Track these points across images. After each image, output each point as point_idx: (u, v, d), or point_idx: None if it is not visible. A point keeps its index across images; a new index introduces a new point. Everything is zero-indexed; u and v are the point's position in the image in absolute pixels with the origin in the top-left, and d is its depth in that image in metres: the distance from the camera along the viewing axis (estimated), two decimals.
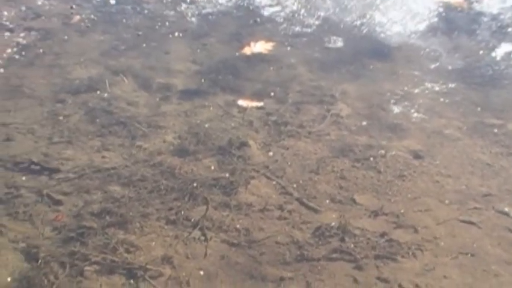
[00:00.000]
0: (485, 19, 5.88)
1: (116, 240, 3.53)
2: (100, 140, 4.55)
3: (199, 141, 4.55)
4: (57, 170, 4.21)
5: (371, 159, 4.40)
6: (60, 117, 4.75)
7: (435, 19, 5.95)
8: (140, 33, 5.96)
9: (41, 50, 5.67)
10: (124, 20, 6.08)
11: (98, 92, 5.11)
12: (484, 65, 5.37)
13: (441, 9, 6.04)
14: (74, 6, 6.24)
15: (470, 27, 5.84)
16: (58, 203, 3.94)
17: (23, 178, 4.05)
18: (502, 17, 5.86)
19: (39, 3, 6.31)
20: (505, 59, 5.41)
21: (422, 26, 5.90)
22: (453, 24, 5.90)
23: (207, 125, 4.73)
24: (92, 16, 6.11)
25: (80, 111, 4.86)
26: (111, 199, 3.90)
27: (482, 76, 5.27)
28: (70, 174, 4.20)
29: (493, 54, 5.48)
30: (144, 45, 5.86)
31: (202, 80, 5.42)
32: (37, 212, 3.78)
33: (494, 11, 5.93)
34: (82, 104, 4.97)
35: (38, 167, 4.18)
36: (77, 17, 6.10)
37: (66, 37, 5.93)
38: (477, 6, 6.03)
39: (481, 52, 5.52)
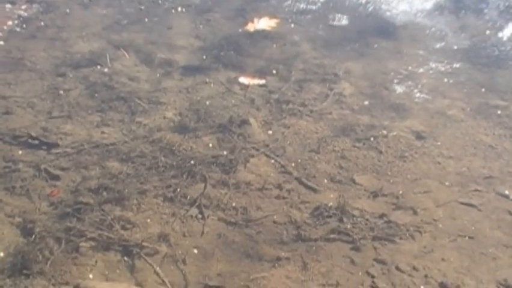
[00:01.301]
0: None
1: (113, 216, 3.53)
2: (100, 115, 4.53)
3: (200, 118, 4.53)
4: (56, 145, 4.20)
5: (373, 139, 4.37)
6: (61, 92, 4.73)
7: None
8: (142, 7, 5.92)
9: (42, 23, 5.63)
10: None
11: (99, 67, 5.08)
12: (490, 46, 5.31)
13: None
14: None
15: (477, 6, 5.77)
16: (56, 178, 3.94)
17: (21, 152, 4.04)
18: None
19: None
20: (511, 39, 5.34)
21: (428, 5, 5.83)
22: (460, 3, 5.83)
23: (207, 102, 4.70)
24: None
25: (81, 86, 4.84)
26: (109, 175, 3.89)
27: (488, 57, 5.21)
28: (68, 149, 4.18)
29: (500, 34, 5.41)
30: (146, 20, 5.82)
31: (204, 57, 5.38)
32: (34, 186, 3.77)
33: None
34: (82, 79, 4.95)
35: (36, 142, 4.18)
36: None
37: (68, 10, 5.88)
38: None
39: (488, 32, 5.45)
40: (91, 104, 4.57)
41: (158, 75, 5.02)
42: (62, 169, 3.92)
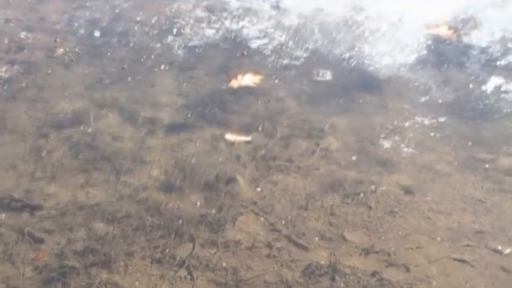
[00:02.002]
0: (474, 52, 5.92)
1: (100, 280, 3.48)
2: (84, 175, 4.50)
3: (186, 176, 4.53)
4: (40, 207, 4.16)
5: (361, 194, 4.38)
6: (44, 153, 4.72)
7: (425, 51, 5.99)
8: (125, 66, 5.95)
9: (23, 84, 5.64)
10: (109, 53, 6.07)
11: (82, 127, 5.07)
12: (475, 99, 5.39)
13: (430, 42, 6.08)
14: (58, 39, 6.22)
15: (459, 59, 5.88)
16: (40, 241, 3.89)
17: (4, 215, 4.00)
18: (490, 50, 5.90)
19: (22, 36, 6.29)
20: (495, 92, 5.43)
21: (411, 59, 5.93)
22: (442, 56, 5.94)
23: (193, 160, 4.71)
24: (76, 49, 6.09)
25: (64, 147, 4.82)
26: (95, 237, 3.85)
27: (473, 110, 5.29)
28: (52, 211, 4.14)
29: (483, 87, 5.51)
30: (129, 78, 5.85)
31: (189, 114, 5.40)
32: (18, 251, 3.72)
33: (483, 44, 5.98)
34: (65, 139, 4.93)
35: (19, 204, 4.15)
36: (61, 50, 6.07)
37: (49, 71, 5.90)
38: (466, 39, 6.07)
39: (471, 85, 5.54)
40: (74, 164, 4.55)
41: (142, 134, 5.03)
42: (47, 232, 3.88)
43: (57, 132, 4.94)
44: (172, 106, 5.56)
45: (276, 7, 6.67)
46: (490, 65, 5.73)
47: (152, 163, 4.63)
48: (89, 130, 4.99)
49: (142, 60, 6.10)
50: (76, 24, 6.45)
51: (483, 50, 5.91)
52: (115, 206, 4.07)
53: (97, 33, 6.32)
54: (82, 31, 6.37)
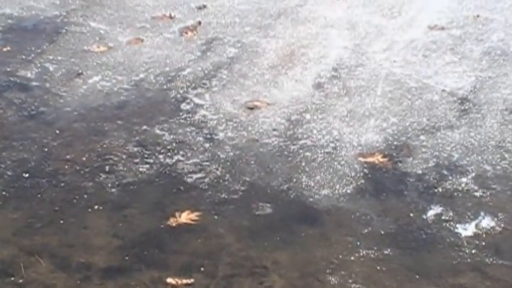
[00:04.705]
0: (411, 179, 6.09)
1: None
2: None
3: None
4: None
5: None
6: None
7: (362, 180, 6.13)
8: (56, 208, 5.84)
9: None
10: (39, 195, 5.96)
11: (12, 278, 4.91)
12: (416, 229, 5.51)
13: (366, 171, 6.25)
14: None
15: (397, 188, 6.04)
16: None
17: None
18: (426, 177, 6.09)
19: None
20: (436, 221, 5.58)
21: (349, 188, 6.06)
22: (380, 185, 6.09)
23: None
24: (4, 192, 5.96)
25: None
26: None
27: (416, 240, 5.40)
28: None
29: (424, 216, 5.64)
30: (61, 221, 5.72)
31: (126, 256, 5.30)
32: None
33: (419, 171, 6.17)
34: None
35: None
36: None
37: None
38: (401, 167, 6.26)
39: (412, 215, 5.68)
40: None
41: (77, 281, 4.89)
42: None
43: None
44: (107, 249, 5.44)
45: (210, 139, 6.76)
46: (428, 193, 5.91)
47: None
48: (20, 281, 4.84)
49: (75, 201, 6.01)
50: (2, 166, 6.33)
51: (419, 177, 6.10)
52: None
53: (25, 174, 6.23)
54: (8, 173, 6.26)
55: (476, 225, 5.56)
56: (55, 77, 7.87)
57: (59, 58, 8.27)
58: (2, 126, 6.94)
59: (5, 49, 8.47)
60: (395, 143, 6.60)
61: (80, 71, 7.98)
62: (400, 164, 6.31)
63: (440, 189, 5.94)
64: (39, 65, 8.11)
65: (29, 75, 7.88)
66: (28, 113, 7.16)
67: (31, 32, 8.99)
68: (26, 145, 6.64)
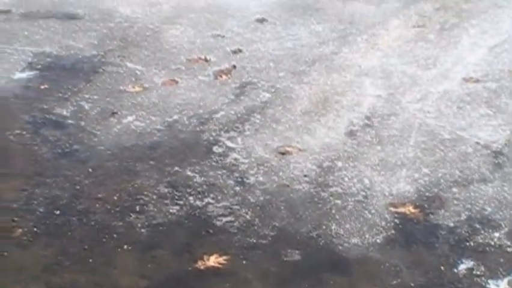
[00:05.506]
0: (442, 232, 6.03)
1: None
2: None
3: None
4: None
5: None
6: None
7: (393, 231, 6.09)
8: (86, 246, 5.90)
9: None
10: (69, 233, 6.02)
11: None
12: (447, 282, 5.44)
13: (397, 221, 6.21)
14: (16, 218, 6.19)
15: (428, 240, 5.99)
16: None
17: None
18: (458, 230, 6.04)
19: None
20: (467, 276, 5.50)
21: (379, 238, 6.03)
22: (410, 236, 6.05)
23: None
24: (35, 229, 6.04)
25: None
26: None
27: None
28: None
29: (455, 270, 5.57)
30: (90, 259, 5.76)
31: None
32: None
33: (451, 224, 6.12)
34: None
35: None
36: (20, 231, 6.02)
37: (6, 253, 5.81)
38: (433, 218, 6.22)
39: (442, 268, 5.62)
40: None
41: None
42: None
43: None
44: None
45: (241, 183, 6.79)
46: (459, 246, 5.84)
47: None
48: None
49: (104, 240, 6.06)
50: (34, 202, 6.44)
51: (451, 230, 6.05)
52: None
53: (57, 212, 6.31)
54: (41, 209, 6.35)
55: (509, 282, 5.48)
56: (90, 115, 8.03)
57: (95, 97, 8.45)
58: (36, 162, 7.07)
59: (42, 87, 8.67)
60: (427, 194, 6.57)
61: (115, 111, 8.14)
62: (431, 216, 6.26)
63: (472, 243, 5.88)
64: (75, 103, 8.29)
65: (64, 113, 8.06)
66: (62, 150, 7.30)
67: (69, 70, 9.21)
68: (59, 182, 6.74)
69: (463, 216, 6.25)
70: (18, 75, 8.95)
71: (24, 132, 7.61)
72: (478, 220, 6.21)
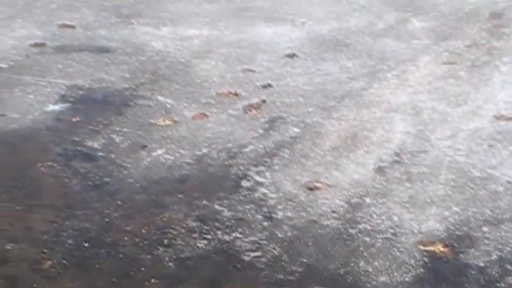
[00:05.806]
0: (472, 272, 5.97)
1: None
2: None
3: None
4: None
5: None
6: None
7: (421, 269, 6.05)
8: (114, 279, 5.93)
9: None
10: (98, 265, 6.06)
11: None
12: None
13: (426, 259, 6.16)
14: (45, 250, 6.26)
15: (457, 279, 5.92)
16: None
17: None
18: (488, 270, 5.97)
19: (8, 247, 6.29)
20: None
21: (408, 277, 5.98)
22: (440, 275, 5.99)
23: None
24: (64, 261, 6.09)
25: None
26: None
27: None
28: None
29: None
30: None
31: None
32: None
33: (481, 264, 6.06)
34: None
35: None
36: (49, 262, 6.08)
37: (35, 284, 5.87)
38: (463, 258, 6.16)
39: None
40: None
41: None
42: None
43: None
44: None
45: (269, 218, 6.80)
46: (490, 287, 5.78)
47: None
48: None
49: (132, 273, 6.09)
50: (64, 234, 6.50)
51: (481, 270, 5.98)
52: None
53: (86, 244, 6.37)
54: (70, 241, 6.40)
55: None
56: (120, 148, 8.12)
57: (126, 130, 8.55)
58: (66, 195, 7.15)
59: (74, 119, 8.79)
60: (457, 232, 6.52)
61: (145, 144, 8.22)
62: (461, 255, 6.21)
63: (503, 284, 5.81)
64: (106, 136, 8.39)
65: (95, 145, 8.16)
66: (92, 182, 7.38)
67: (100, 103, 9.34)
68: (88, 215, 6.81)
69: (494, 256, 6.18)
70: (51, 107, 9.09)
71: (55, 164, 7.71)
72: (509, 260, 6.13)
